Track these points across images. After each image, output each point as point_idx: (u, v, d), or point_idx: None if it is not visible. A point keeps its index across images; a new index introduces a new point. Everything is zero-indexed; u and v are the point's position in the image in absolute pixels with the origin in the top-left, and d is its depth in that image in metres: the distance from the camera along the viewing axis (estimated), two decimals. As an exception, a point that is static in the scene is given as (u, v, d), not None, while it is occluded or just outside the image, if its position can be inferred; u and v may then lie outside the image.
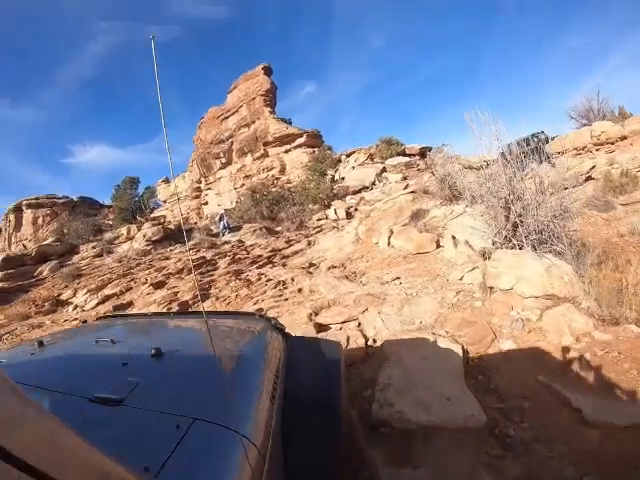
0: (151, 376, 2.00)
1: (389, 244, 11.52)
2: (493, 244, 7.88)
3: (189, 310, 10.17)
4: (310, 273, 11.05)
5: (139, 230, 23.03)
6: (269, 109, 51.41)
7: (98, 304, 13.22)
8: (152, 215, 34.59)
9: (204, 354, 2.39)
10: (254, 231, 21.07)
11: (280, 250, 16.44)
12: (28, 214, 58.57)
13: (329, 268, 11.37)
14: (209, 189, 55.18)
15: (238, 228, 22.67)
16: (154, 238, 21.11)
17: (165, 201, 59.75)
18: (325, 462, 2.09)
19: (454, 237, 9.48)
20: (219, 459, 1.45)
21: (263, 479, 1.56)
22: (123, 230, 24.29)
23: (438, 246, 10.26)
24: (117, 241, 23.32)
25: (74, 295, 14.67)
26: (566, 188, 7.67)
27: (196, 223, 33.12)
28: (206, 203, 53.78)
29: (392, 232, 11.82)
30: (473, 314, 6.30)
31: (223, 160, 54.12)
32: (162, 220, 30.18)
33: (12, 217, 59.28)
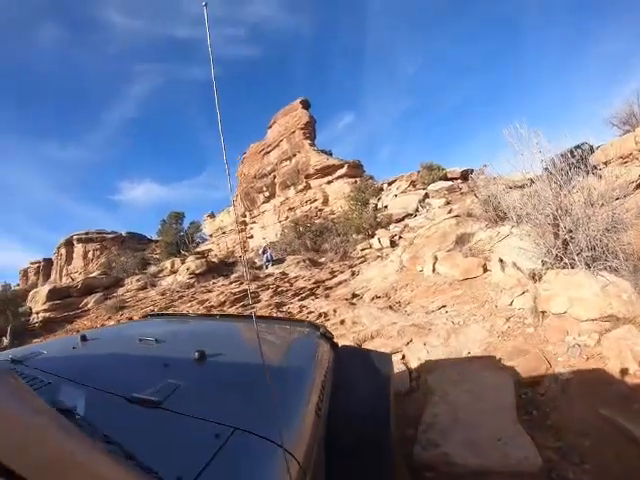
0: (192, 380, 1.96)
1: (434, 271, 11.10)
2: (543, 264, 7.41)
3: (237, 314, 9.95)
4: (353, 304, 10.72)
5: (183, 263, 23.15)
6: (309, 142, 52.21)
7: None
8: (198, 249, 34.90)
9: (250, 360, 2.26)
10: (297, 263, 20.94)
11: (323, 281, 16.21)
12: (79, 248, 61.37)
13: (373, 298, 11.03)
14: (254, 222, 56.02)
15: (282, 260, 22.68)
16: (197, 271, 21.19)
17: (211, 235, 61.75)
18: None
19: (501, 260, 9.01)
20: (259, 473, 1.35)
21: None
22: (167, 264, 24.58)
23: (485, 270, 9.81)
24: (161, 274, 23.55)
25: None
26: (617, 198, 7.22)
27: (241, 257, 33.13)
28: (251, 237, 54.48)
29: (436, 258, 11.41)
30: (525, 342, 5.88)
31: (266, 194, 55.23)
32: (206, 254, 30.32)
33: (63, 251, 62.34)
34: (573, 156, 7.86)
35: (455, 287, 9.62)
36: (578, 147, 10.62)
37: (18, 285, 57.78)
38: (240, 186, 58.78)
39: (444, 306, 8.57)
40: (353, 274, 16.24)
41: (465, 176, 36.03)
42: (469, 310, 7.89)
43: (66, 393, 1.32)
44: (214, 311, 13.65)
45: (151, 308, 15.74)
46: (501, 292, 8.14)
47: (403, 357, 6.50)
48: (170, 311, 14.82)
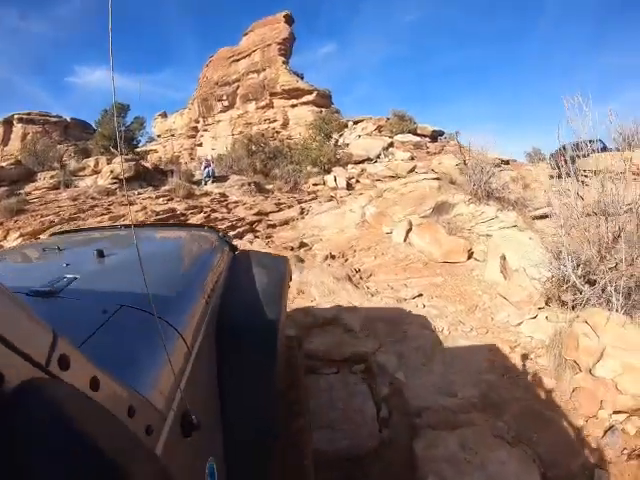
0: (90, 273, 2.08)
1: (406, 239, 9.26)
2: (573, 290, 5.45)
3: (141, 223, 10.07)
4: (301, 260, 8.36)
5: (108, 164, 19.45)
6: (283, 59, 50.11)
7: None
8: (140, 149, 31.76)
9: (146, 255, 1.95)
10: (242, 185, 18.69)
11: (267, 214, 14.22)
12: (18, 129, 56.68)
13: (326, 257, 8.83)
14: (206, 130, 53.96)
15: (224, 178, 20.26)
16: (122, 176, 18.00)
17: (159, 136, 59.96)
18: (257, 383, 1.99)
19: (504, 257, 7.12)
20: (140, 340, 1.46)
21: (188, 368, 1.55)
22: (90, 161, 20.68)
23: (470, 256, 8.09)
24: (82, 173, 19.76)
25: (5, 237, 11.73)
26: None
27: (186, 163, 30.82)
28: (200, 144, 52.62)
29: (411, 225, 9.56)
30: (545, 401, 4.09)
31: (225, 103, 52.86)
32: (144, 154, 27.29)
33: (1, 130, 57.63)
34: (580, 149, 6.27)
35: (433, 270, 7.77)
36: (592, 142, 9.16)
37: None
38: (199, 90, 56.15)
39: (420, 295, 6.66)
40: (302, 212, 14.52)
41: (434, 136, 36.04)
42: (455, 313, 6.00)
43: None
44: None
45: (51, 218, 12.67)
46: (495, 298, 6.31)
47: (366, 371, 4.49)
48: (73, 225, 12.12)
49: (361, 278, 7.61)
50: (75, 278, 1.81)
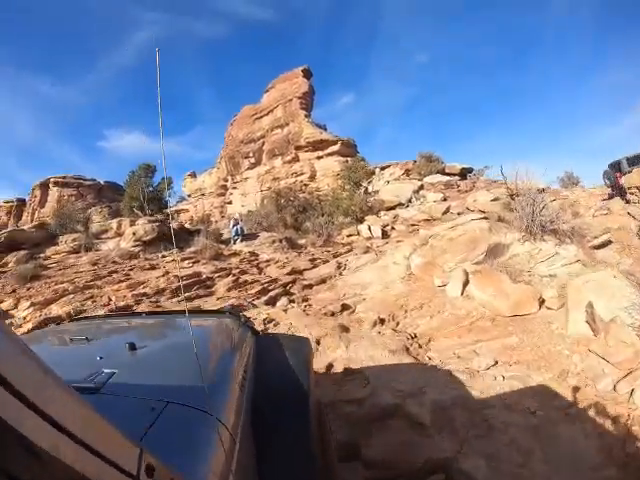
0: (126, 367, 2.02)
1: (463, 292, 8.06)
2: None
3: (162, 310, 9.24)
4: (345, 330, 7.10)
5: (131, 225, 18.81)
6: (305, 112, 50.90)
7: (34, 328, 8.55)
8: (169, 209, 31.43)
9: (177, 347, 2.47)
10: (273, 242, 17.80)
11: (301, 272, 13.19)
12: (54, 192, 59.15)
13: (374, 323, 7.55)
14: (235, 188, 54.73)
15: (254, 236, 19.42)
16: (145, 238, 17.05)
17: (189, 195, 61.77)
18: (293, 454, 1.98)
19: (591, 305, 5.89)
20: (192, 436, 1.49)
21: (235, 458, 1.60)
22: (113, 224, 20.42)
23: (541, 305, 6.90)
24: (105, 235, 19.38)
25: (15, 306, 10.47)
26: None
27: (217, 222, 30.88)
28: (230, 202, 53.44)
29: (467, 275, 8.37)
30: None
31: (252, 160, 53.68)
32: (173, 214, 26.87)
33: (38, 193, 60.25)
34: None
35: (504, 328, 6.57)
36: None
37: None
38: (226, 148, 57.15)
39: (495, 363, 5.47)
40: (339, 267, 13.35)
41: (464, 174, 35.29)
42: (541, 384, 4.79)
43: None
44: (145, 301, 10.21)
45: (66, 286, 11.55)
46: (588, 358, 5.12)
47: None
48: (88, 294, 11.04)
49: (420, 346, 6.39)
50: (113, 373, 1.79)
